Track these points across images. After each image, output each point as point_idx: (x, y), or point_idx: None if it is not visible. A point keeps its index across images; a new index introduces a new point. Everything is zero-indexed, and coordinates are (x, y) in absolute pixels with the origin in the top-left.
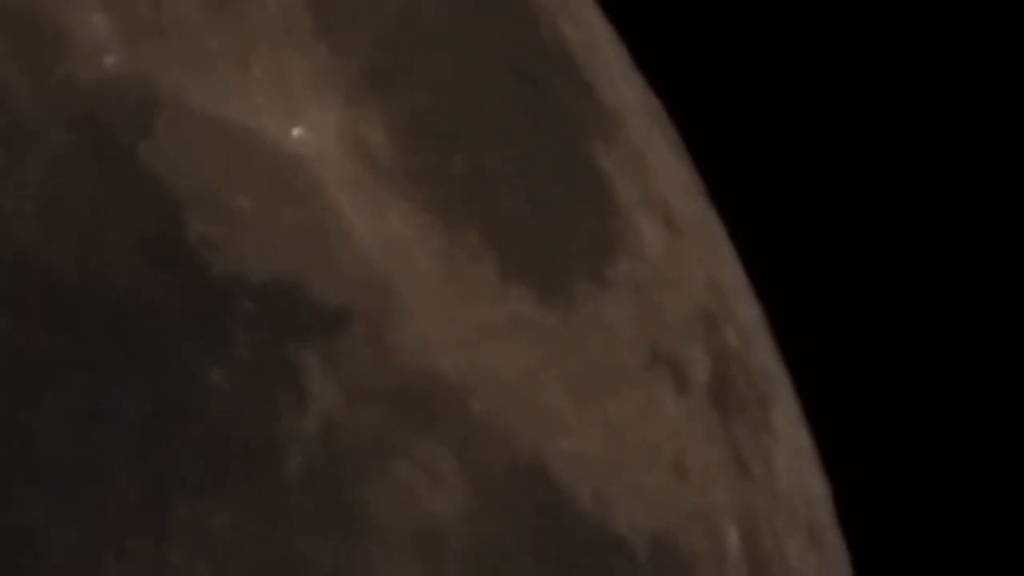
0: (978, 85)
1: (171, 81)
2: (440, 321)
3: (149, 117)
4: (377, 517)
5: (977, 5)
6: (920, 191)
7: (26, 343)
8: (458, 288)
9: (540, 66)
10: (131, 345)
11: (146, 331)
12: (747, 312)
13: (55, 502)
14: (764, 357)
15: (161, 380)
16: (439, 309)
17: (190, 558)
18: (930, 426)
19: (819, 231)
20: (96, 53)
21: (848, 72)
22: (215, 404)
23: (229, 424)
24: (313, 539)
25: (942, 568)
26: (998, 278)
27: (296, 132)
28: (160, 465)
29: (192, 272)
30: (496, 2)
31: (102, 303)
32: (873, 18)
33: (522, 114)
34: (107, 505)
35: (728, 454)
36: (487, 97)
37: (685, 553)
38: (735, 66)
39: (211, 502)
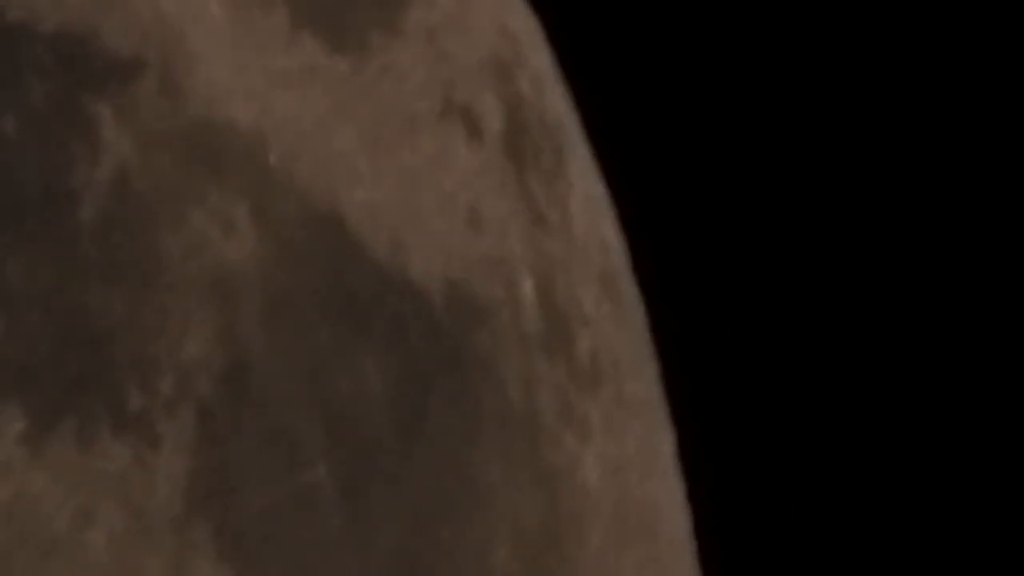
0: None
1: None
2: (233, 70)
3: None
4: (171, 265)
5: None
6: None
7: None
8: (249, 37)
9: None
10: None
11: None
12: (539, 60)
13: None
14: (557, 106)
15: None
16: (231, 58)
17: None
18: (724, 173)
19: None
20: None
21: None
22: (8, 153)
23: (22, 173)
24: (108, 287)
25: (735, 303)
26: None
27: None
28: None
29: None
30: None
31: None
32: None
33: None
34: None
35: (522, 203)
36: None
37: (481, 301)
38: None
39: (5, 252)
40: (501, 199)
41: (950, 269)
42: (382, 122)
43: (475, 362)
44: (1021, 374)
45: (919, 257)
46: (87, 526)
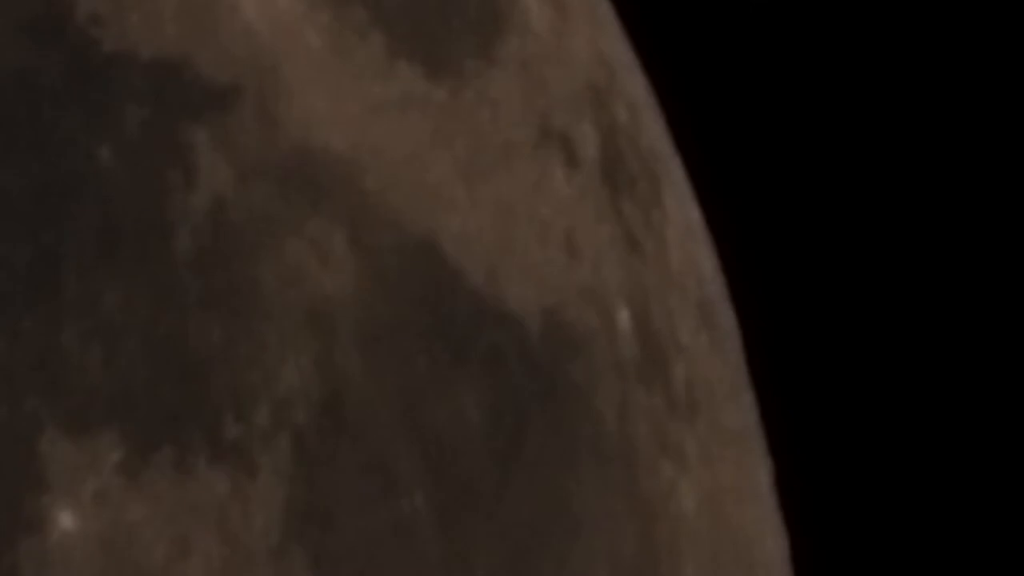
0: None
1: None
2: (328, 98)
3: None
4: (267, 294)
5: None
6: None
7: None
8: (346, 64)
9: None
10: (16, 122)
11: (33, 109)
12: (635, 88)
13: None
14: (653, 133)
15: (49, 157)
16: (327, 86)
17: (82, 339)
18: (820, 200)
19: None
20: None
21: None
22: (104, 182)
23: (119, 202)
24: (204, 317)
25: (830, 330)
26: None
27: None
28: (49, 243)
29: (80, 49)
30: None
31: None
32: None
33: None
34: None
35: (619, 231)
36: None
37: (576, 330)
38: None
39: (102, 281)
40: (597, 227)
41: None
42: (478, 150)
43: (571, 391)
44: None
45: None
46: (184, 556)
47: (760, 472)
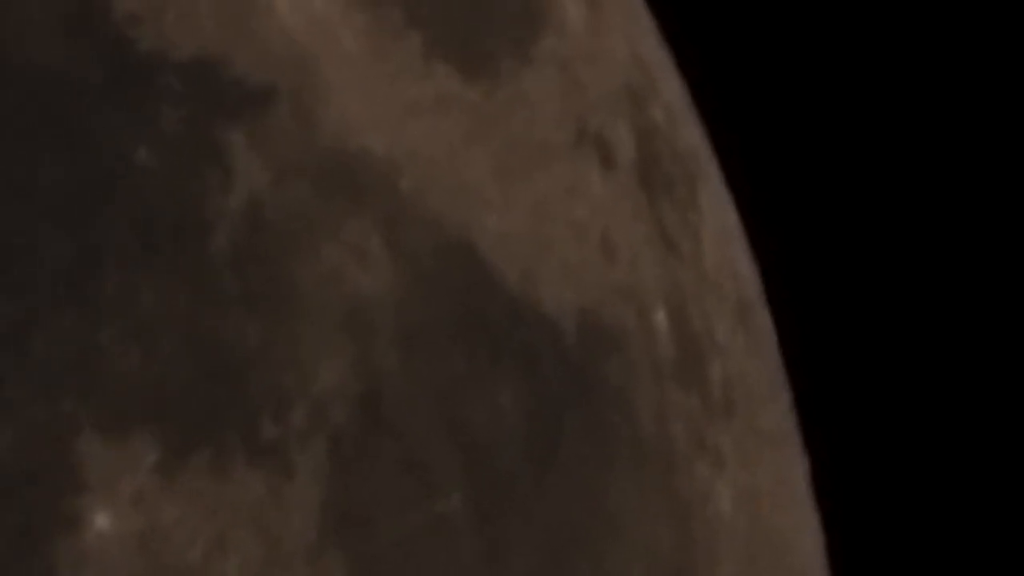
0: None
1: None
2: (365, 99)
3: None
4: (305, 295)
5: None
6: None
7: None
8: (382, 66)
9: None
10: (54, 121)
11: (70, 108)
12: (672, 90)
13: None
14: (690, 135)
15: (86, 157)
16: (364, 87)
17: (120, 339)
18: (857, 201)
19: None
20: None
21: None
22: (141, 181)
23: (156, 201)
24: (242, 317)
25: (872, 343)
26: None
27: None
28: (87, 242)
29: (117, 49)
30: None
31: (23, 79)
32: None
33: None
34: (34, 281)
35: (655, 232)
36: None
37: (613, 330)
38: None
39: (139, 280)
40: (634, 228)
41: None
42: (514, 150)
43: (607, 391)
44: None
45: None
46: (221, 556)
47: (797, 472)
